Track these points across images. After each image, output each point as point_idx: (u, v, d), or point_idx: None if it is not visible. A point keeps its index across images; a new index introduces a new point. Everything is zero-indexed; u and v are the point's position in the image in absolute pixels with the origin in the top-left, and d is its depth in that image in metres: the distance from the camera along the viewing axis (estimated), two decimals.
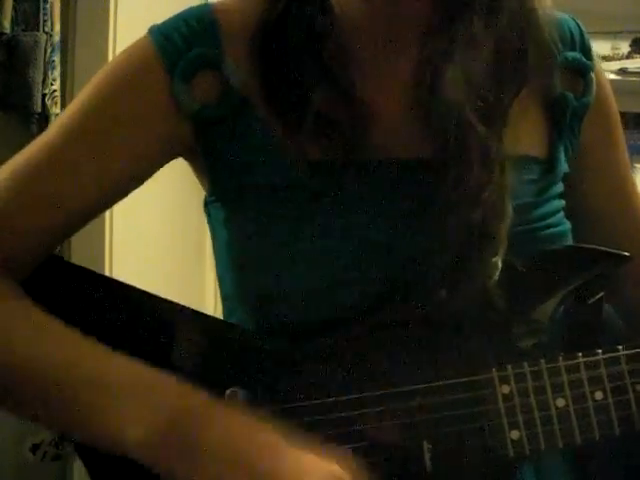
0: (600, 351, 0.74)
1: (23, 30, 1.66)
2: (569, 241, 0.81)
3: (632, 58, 2.58)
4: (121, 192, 0.82)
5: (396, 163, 0.77)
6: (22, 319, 0.75)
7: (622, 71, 2.51)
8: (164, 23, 0.81)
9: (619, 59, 2.57)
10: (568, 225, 0.82)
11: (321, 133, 0.76)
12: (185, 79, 0.78)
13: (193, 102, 0.78)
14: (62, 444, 0.78)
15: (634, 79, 2.47)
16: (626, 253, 0.76)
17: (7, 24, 1.63)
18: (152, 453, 0.69)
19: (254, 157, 0.78)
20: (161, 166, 0.83)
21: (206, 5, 0.83)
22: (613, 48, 2.59)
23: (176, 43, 0.79)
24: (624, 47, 2.61)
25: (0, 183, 0.78)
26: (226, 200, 0.81)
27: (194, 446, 0.68)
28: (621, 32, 2.55)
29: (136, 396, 0.71)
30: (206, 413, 0.70)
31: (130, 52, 0.82)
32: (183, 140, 0.80)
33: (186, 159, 0.85)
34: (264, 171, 0.78)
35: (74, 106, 0.80)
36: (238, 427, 0.69)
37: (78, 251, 1.05)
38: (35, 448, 0.81)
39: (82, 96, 0.81)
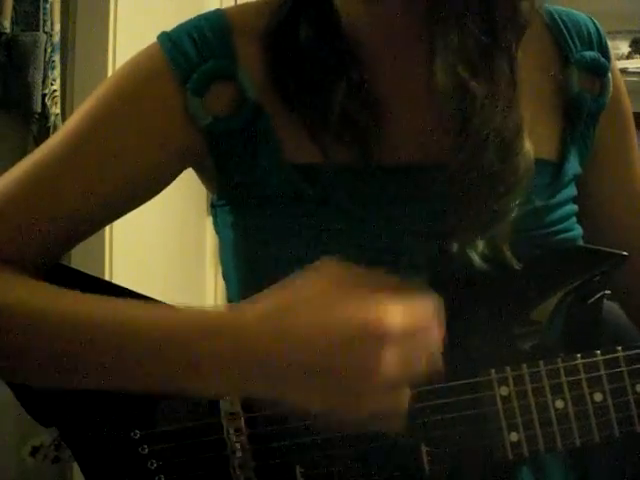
0: (599, 352, 0.74)
1: (23, 30, 1.66)
2: None
3: (632, 58, 2.59)
4: (129, 204, 0.80)
5: (409, 168, 0.76)
6: (31, 287, 0.72)
7: (622, 71, 2.50)
8: (175, 30, 0.79)
9: (619, 59, 2.57)
10: (580, 230, 0.81)
11: (343, 132, 0.74)
12: (198, 93, 0.76)
13: (206, 115, 0.76)
14: (62, 447, 0.78)
15: (634, 79, 2.47)
16: (624, 252, 0.76)
17: (7, 24, 1.63)
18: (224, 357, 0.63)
19: (265, 167, 0.77)
20: (171, 179, 0.81)
21: (218, 11, 0.81)
22: (613, 48, 2.58)
23: (188, 54, 0.77)
24: (624, 47, 2.61)
25: (4, 189, 0.76)
26: (235, 205, 0.80)
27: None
28: (621, 32, 2.55)
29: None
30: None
31: (139, 61, 0.80)
32: (194, 152, 0.78)
33: (194, 168, 0.83)
34: (274, 180, 0.77)
35: (79, 115, 0.78)
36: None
37: (78, 255, 1.05)
38: (35, 451, 0.81)
39: (87, 105, 0.78)
